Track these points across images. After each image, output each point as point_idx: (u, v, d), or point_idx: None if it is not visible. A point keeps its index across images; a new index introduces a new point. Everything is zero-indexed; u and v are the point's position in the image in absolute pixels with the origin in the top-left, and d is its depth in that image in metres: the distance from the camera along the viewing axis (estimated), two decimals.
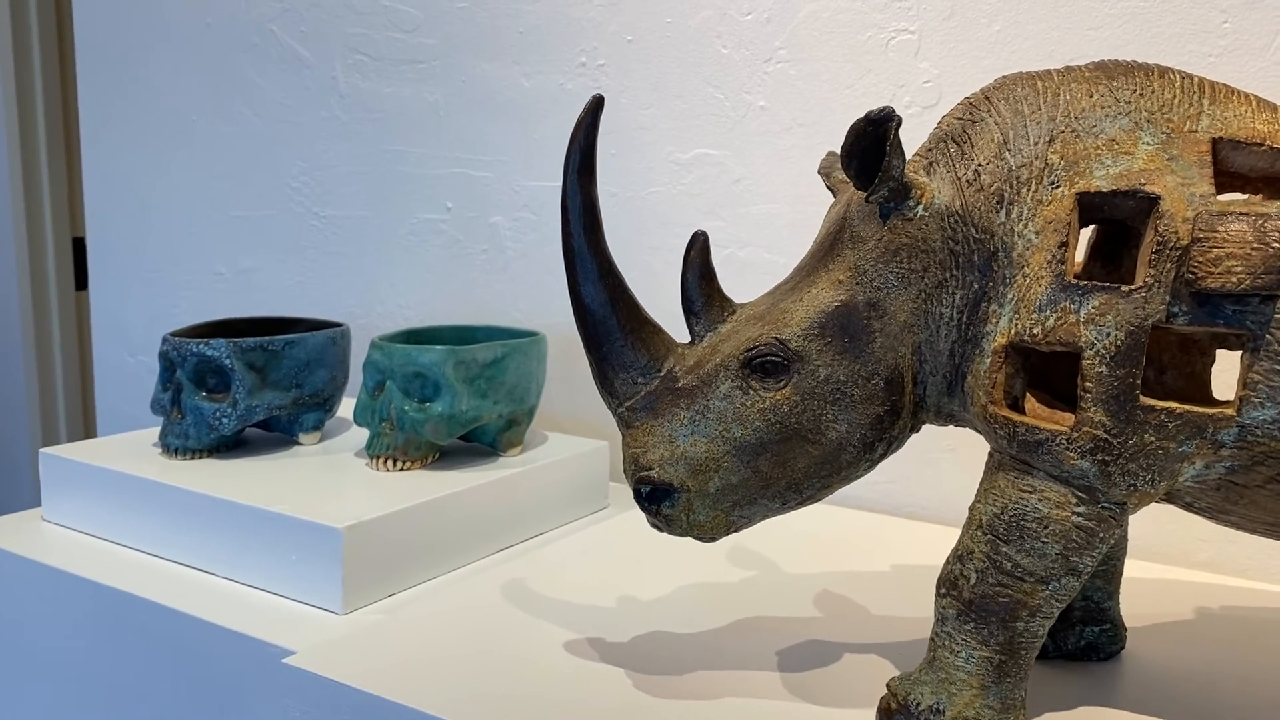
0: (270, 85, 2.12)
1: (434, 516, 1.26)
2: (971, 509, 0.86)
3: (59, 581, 1.28)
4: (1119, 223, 0.87)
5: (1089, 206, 0.83)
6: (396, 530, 1.21)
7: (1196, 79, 0.85)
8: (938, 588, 0.87)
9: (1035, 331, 0.80)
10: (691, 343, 0.93)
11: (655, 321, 0.93)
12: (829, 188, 1.01)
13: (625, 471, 0.92)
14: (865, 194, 0.85)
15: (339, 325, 1.57)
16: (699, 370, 0.90)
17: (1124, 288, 0.78)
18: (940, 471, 1.48)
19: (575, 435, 1.66)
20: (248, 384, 1.42)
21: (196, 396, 1.42)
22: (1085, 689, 0.98)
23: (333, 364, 1.51)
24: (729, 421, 0.88)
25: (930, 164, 0.89)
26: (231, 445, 1.48)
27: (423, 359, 1.34)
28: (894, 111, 0.80)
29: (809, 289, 0.89)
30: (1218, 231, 0.75)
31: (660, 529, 0.92)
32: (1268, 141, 0.82)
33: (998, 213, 0.84)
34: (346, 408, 1.72)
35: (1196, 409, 0.77)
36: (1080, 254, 0.98)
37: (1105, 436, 0.78)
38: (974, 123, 0.88)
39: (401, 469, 1.37)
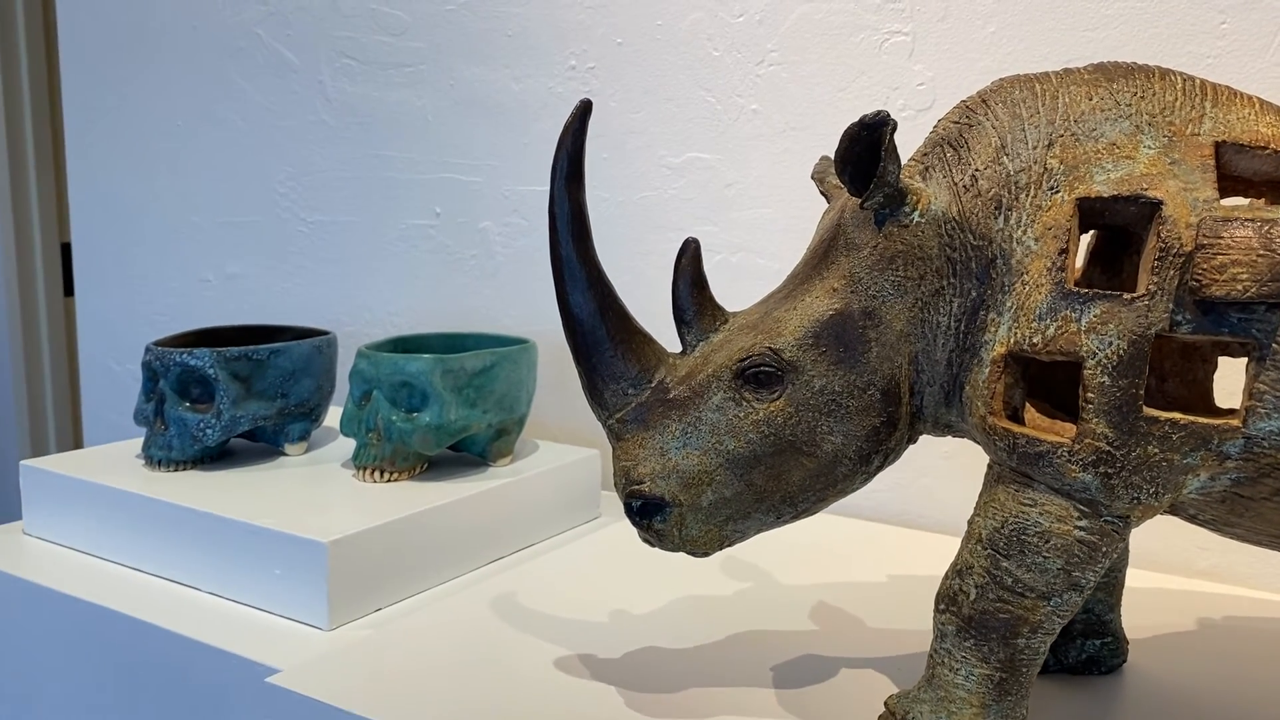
0: (256, 90, 2.10)
1: (422, 529, 1.24)
2: (971, 522, 0.84)
3: (39, 597, 1.25)
4: (1119, 228, 0.85)
5: (1089, 212, 0.80)
6: (383, 544, 1.19)
7: (1198, 81, 0.83)
8: (936, 603, 0.85)
9: (1035, 341, 0.78)
10: (683, 352, 0.91)
11: (646, 331, 0.91)
12: (823, 193, 0.98)
13: (616, 485, 0.90)
14: (860, 200, 0.83)
15: (325, 333, 1.54)
16: (691, 381, 0.88)
17: (1126, 295, 0.76)
18: (938, 479, 1.46)
19: (567, 444, 1.64)
20: (232, 394, 1.39)
21: (180, 407, 1.39)
22: (1087, 704, 0.96)
23: (319, 373, 1.49)
24: (721, 433, 0.86)
25: (926, 169, 0.87)
26: (216, 456, 1.45)
27: (410, 368, 1.32)
28: (889, 116, 0.78)
29: (803, 297, 0.87)
30: (1222, 238, 0.73)
31: (652, 544, 0.90)
32: (1272, 145, 0.80)
33: (996, 219, 0.82)
34: (334, 417, 1.69)
35: (1201, 420, 0.75)
36: (1080, 260, 0.96)
37: (1108, 448, 0.76)
38: (970, 127, 0.86)
39: (389, 480, 1.35)
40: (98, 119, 2.39)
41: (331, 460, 1.47)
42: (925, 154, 0.88)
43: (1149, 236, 0.78)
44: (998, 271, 0.82)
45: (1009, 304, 0.81)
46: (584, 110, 0.88)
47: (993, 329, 0.82)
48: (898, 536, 1.41)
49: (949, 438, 0.91)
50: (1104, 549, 0.79)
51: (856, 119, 0.79)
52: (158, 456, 1.39)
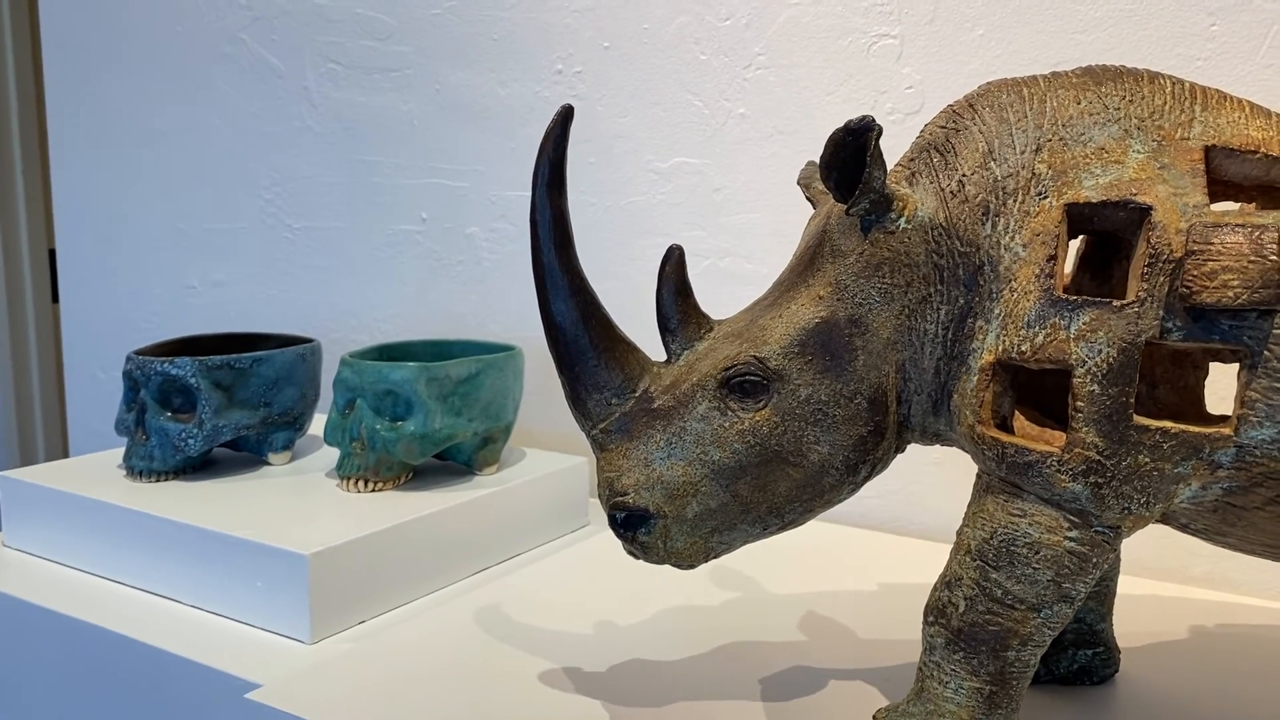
0: (241, 95, 2.08)
1: (406, 540, 1.22)
2: (960, 533, 0.83)
3: (18, 611, 1.23)
4: (1109, 233, 0.84)
5: (1078, 218, 0.79)
6: (366, 555, 1.17)
7: (1187, 84, 0.82)
8: (925, 615, 0.84)
9: (1024, 348, 0.77)
10: (668, 361, 0.89)
11: (629, 339, 0.90)
12: (809, 199, 0.97)
13: (600, 496, 0.88)
14: (845, 206, 0.82)
15: (309, 341, 1.52)
16: (675, 390, 0.86)
17: (1116, 302, 0.75)
18: (928, 486, 1.44)
19: (554, 451, 1.62)
20: (214, 403, 1.38)
21: (161, 417, 1.38)
22: (1078, 715, 0.94)
23: (303, 381, 1.47)
24: (707, 444, 0.85)
25: (913, 174, 0.85)
26: (199, 466, 1.43)
27: (394, 376, 1.30)
28: (874, 121, 0.77)
29: (788, 305, 0.86)
30: (1212, 244, 0.72)
31: (636, 556, 0.88)
32: (1262, 149, 0.79)
33: (983, 225, 0.81)
34: (319, 425, 1.67)
35: (1192, 428, 0.74)
36: (1069, 266, 0.95)
37: (1098, 458, 0.75)
38: (958, 131, 0.84)
39: (373, 490, 1.33)
40: (82, 125, 2.37)
41: (316, 470, 1.45)
42: (912, 159, 0.86)
43: (1138, 242, 0.77)
44: (985, 278, 0.81)
45: (997, 311, 0.80)
46: (565, 116, 0.87)
47: (981, 337, 0.81)
48: (889, 544, 1.40)
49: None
50: (1095, 560, 0.78)
51: (842, 124, 0.78)
52: (139, 467, 1.37)
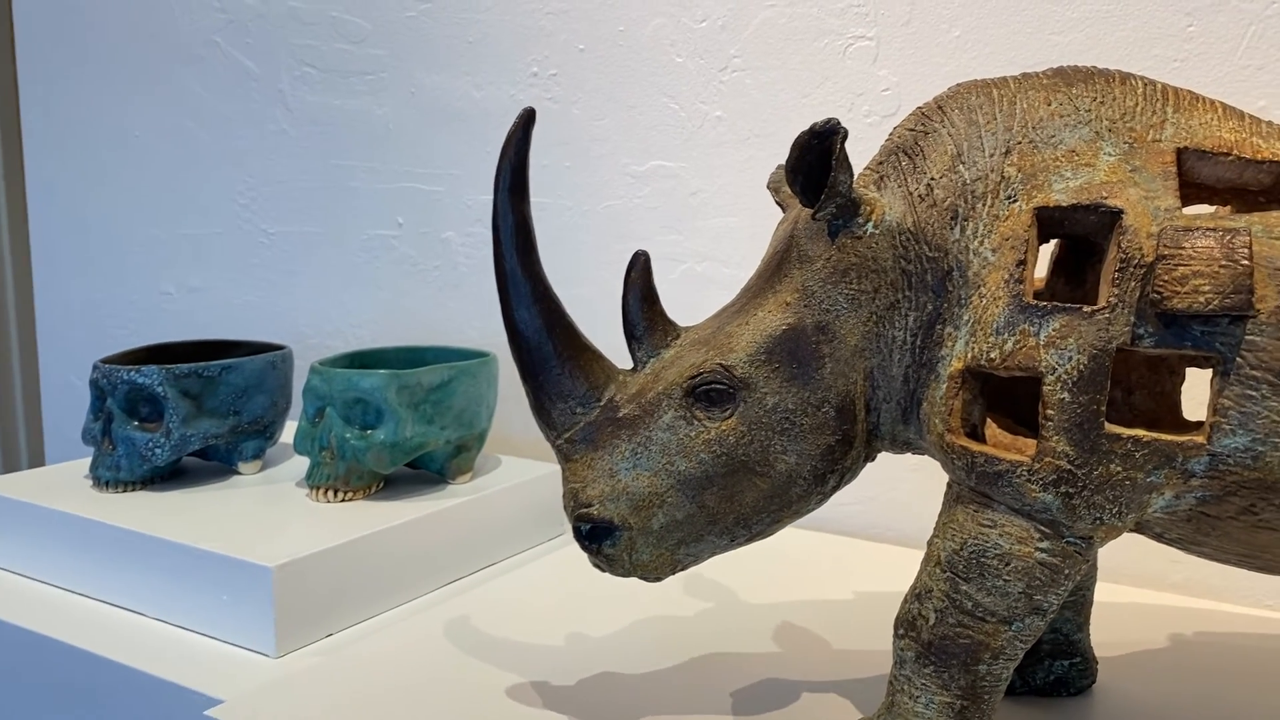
0: (216, 99, 2.06)
1: (375, 550, 1.20)
2: (930, 544, 0.81)
3: None
4: (1082, 236, 0.83)
5: (1048, 221, 0.78)
6: (334, 566, 1.15)
7: (1159, 85, 0.81)
8: (895, 628, 0.82)
9: (993, 355, 0.75)
10: (634, 369, 0.88)
11: (595, 347, 0.88)
12: (778, 203, 0.96)
13: (565, 508, 0.86)
14: (812, 211, 0.80)
15: (281, 348, 1.50)
16: (641, 399, 0.85)
17: (1086, 308, 0.73)
18: (906, 492, 1.43)
19: (531, 458, 1.60)
20: (182, 412, 1.35)
21: (128, 426, 1.35)
22: None
23: (273, 389, 1.45)
24: (673, 454, 0.83)
25: (881, 178, 0.84)
26: (167, 476, 1.41)
27: (364, 384, 1.28)
28: (839, 124, 0.75)
29: (755, 312, 0.84)
30: (1184, 248, 0.71)
31: (602, 569, 0.86)
32: (1234, 151, 0.78)
33: (951, 229, 0.80)
34: (291, 434, 1.65)
35: (1165, 437, 0.72)
36: (1042, 269, 0.94)
37: (1069, 467, 0.73)
38: (926, 134, 0.83)
39: (343, 500, 1.31)
40: (57, 130, 2.34)
41: (286, 479, 1.43)
42: (880, 163, 0.85)
43: (1109, 247, 0.75)
44: (954, 284, 0.79)
45: (966, 318, 0.78)
46: (527, 119, 0.85)
47: (950, 343, 0.79)
48: (866, 551, 1.38)
49: None
50: (1067, 571, 0.76)
51: (807, 127, 0.76)
52: (105, 477, 1.35)
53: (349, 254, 1.92)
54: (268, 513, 1.28)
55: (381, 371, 1.29)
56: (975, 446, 0.77)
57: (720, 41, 1.50)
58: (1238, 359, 0.70)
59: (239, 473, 1.45)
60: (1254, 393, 0.70)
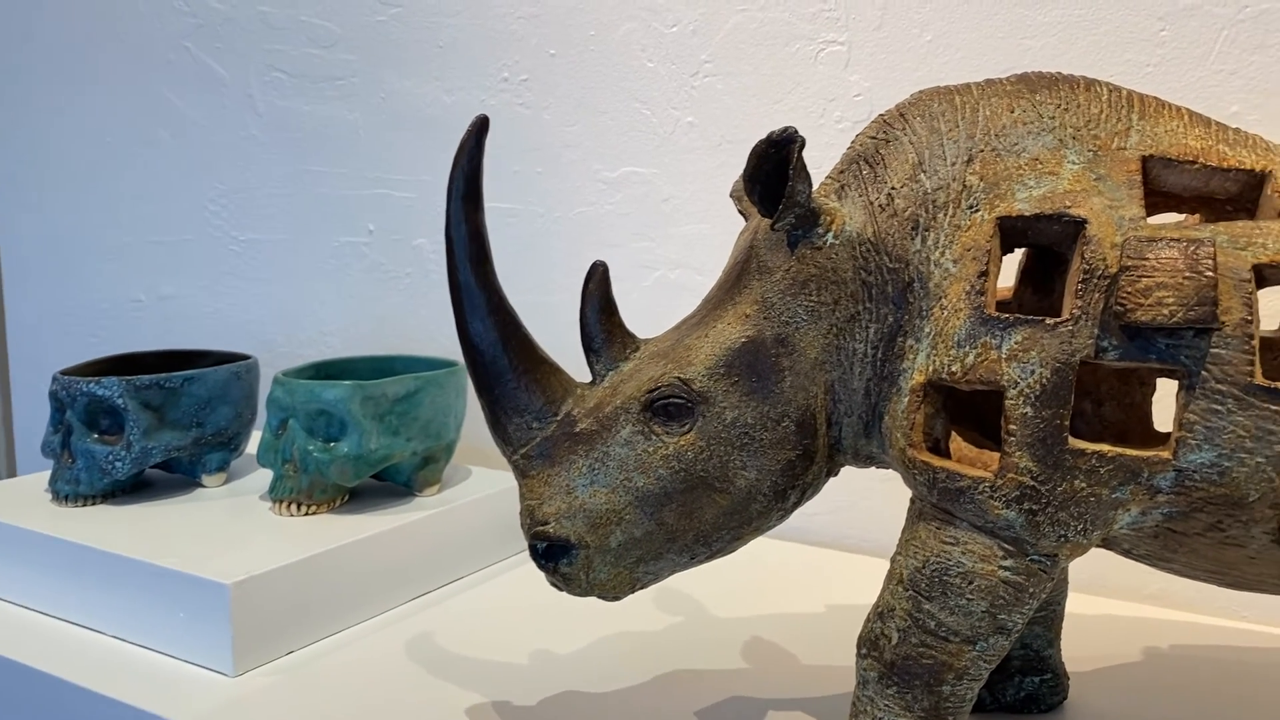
0: (186, 104, 2.03)
1: (338, 565, 1.18)
2: (893, 561, 0.80)
3: None
4: (1047, 246, 0.81)
5: (1011, 232, 0.76)
6: (295, 582, 1.13)
7: (1125, 92, 0.79)
8: (858, 647, 0.80)
9: (954, 369, 0.74)
10: (592, 383, 0.86)
11: (553, 361, 0.86)
12: (741, 212, 0.93)
13: (521, 526, 0.84)
14: (771, 221, 0.78)
15: (246, 358, 1.48)
16: (599, 413, 0.83)
17: (1049, 321, 0.71)
18: (879, 502, 1.41)
19: (502, 470, 1.58)
20: (143, 424, 1.33)
21: (88, 439, 1.33)
22: None
23: (238, 400, 1.42)
24: (630, 470, 0.81)
25: (842, 187, 0.82)
26: (129, 489, 1.38)
27: (327, 395, 1.26)
28: (796, 132, 0.73)
29: (714, 324, 0.82)
30: (1147, 259, 0.69)
31: (559, 588, 0.84)
32: (1200, 158, 0.76)
33: (913, 240, 0.78)
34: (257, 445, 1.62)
35: (1130, 452, 0.71)
36: (1011, 278, 0.92)
37: (1032, 483, 0.71)
38: (888, 142, 0.81)
39: (307, 513, 1.28)
40: (25, 136, 2.31)
41: (251, 492, 1.40)
42: (841, 171, 0.83)
43: (1073, 257, 0.74)
44: (915, 295, 0.78)
45: (927, 330, 0.76)
46: (480, 127, 0.83)
47: (911, 356, 0.77)
48: (839, 562, 1.37)
49: None
50: (1031, 590, 0.75)
51: (764, 136, 0.74)
52: (65, 491, 1.32)
53: (320, 261, 1.90)
54: (229, 527, 1.26)
55: (345, 382, 1.27)
56: (937, 462, 0.75)
57: (691, 46, 1.49)
58: (1203, 372, 0.69)
59: (203, 486, 1.42)
60: (1219, 407, 0.69)
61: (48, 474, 1.47)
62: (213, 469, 1.42)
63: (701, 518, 0.81)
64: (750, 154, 0.75)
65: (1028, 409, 0.71)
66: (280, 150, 1.92)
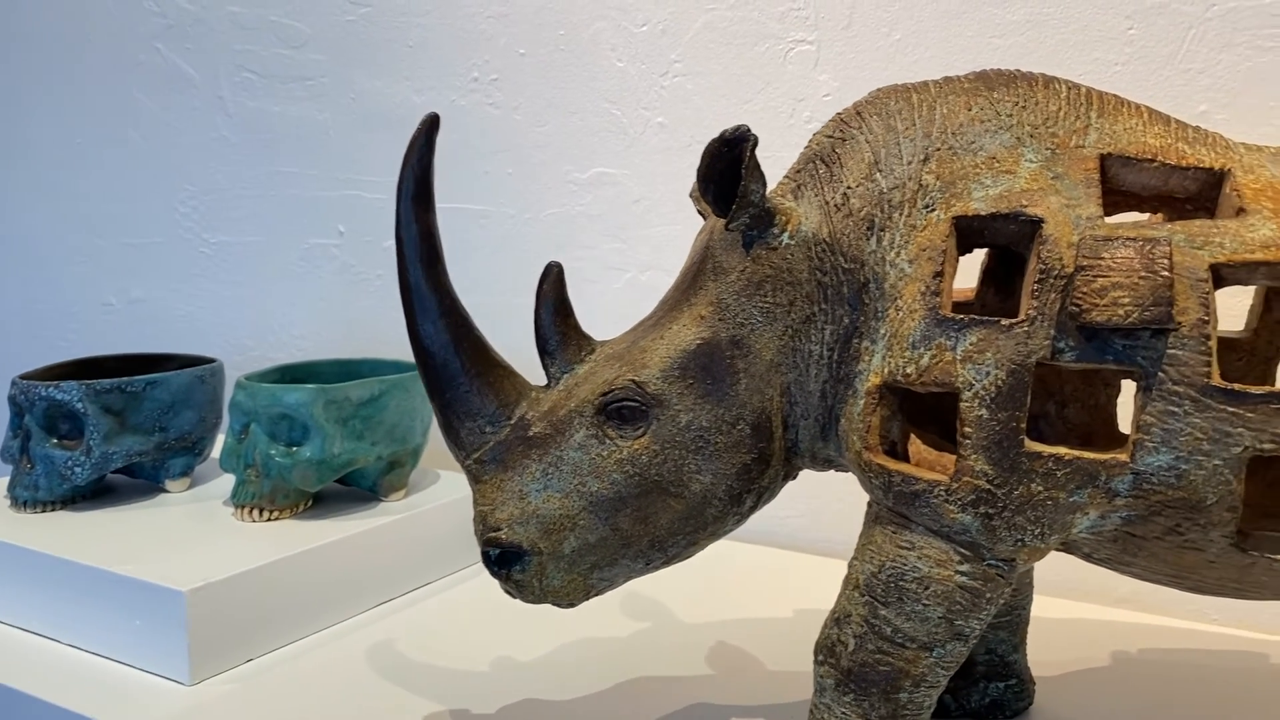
0: (157, 105, 2.01)
1: (299, 572, 1.16)
2: (849, 566, 0.78)
3: None
4: (1006, 246, 0.80)
5: (967, 231, 0.75)
6: (254, 589, 1.11)
7: (1084, 89, 0.78)
8: (815, 654, 0.79)
9: (909, 371, 0.72)
10: (547, 386, 0.84)
11: (506, 364, 0.84)
12: (699, 213, 0.92)
13: (475, 532, 0.83)
14: (725, 221, 0.77)
15: (211, 361, 1.46)
16: (552, 417, 0.81)
17: (1004, 322, 0.70)
18: (853, 505, 1.39)
19: None
20: (103, 429, 1.31)
21: (47, 444, 1.30)
22: None
23: (201, 404, 1.40)
24: (584, 474, 0.79)
25: (798, 187, 0.81)
26: (90, 495, 1.36)
27: (289, 399, 1.24)
28: (749, 131, 0.72)
29: (670, 326, 0.81)
30: (1103, 258, 0.68)
31: (513, 595, 0.83)
32: (1159, 157, 0.75)
33: (868, 240, 0.77)
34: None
35: (1087, 455, 0.70)
36: (973, 280, 0.91)
37: (987, 487, 0.70)
38: (844, 141, 0.80)
39: (269, 519, 1.26)
40: None
41: (214, 498, 1.38)
42: (798, 171, 0.82)
43: (1030, 257, 0.72)
44: (871, 296, 0.76)
45: (883, 331, 0.75)
46: (430, 125, 0.82)
47: (866, 358, 0.76)
48: (811, 566, 1.35)
49: None
50: (988, 595, 0.74)
51: (717, 134, 0.73)
52: (23, 497, 1.30)
53: (290, 263, 1.88)
54: (190, 533, 1.24)
55: (307, 386, 1.25)
56: (892, 465, 0.74)
57: (661, 46, 1.47)
58: (1159, 374, 0.68)
59: (166, 491, 1.40)
60: (1176, 409, 0.68)
61: (6, 480, 1.45)
62: (176, 474, 1.40)
63: (656, 523, 0.80)
64: (704, 152, 0.74)
65: (983, 411, 0.70)
66: (251, 151, 1.90)
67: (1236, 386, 0.66)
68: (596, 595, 0.83)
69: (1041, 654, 1.03)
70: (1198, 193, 0.76)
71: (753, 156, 0.73)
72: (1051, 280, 0.70)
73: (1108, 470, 0.69)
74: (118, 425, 1.33)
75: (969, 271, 0.91)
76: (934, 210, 0.75)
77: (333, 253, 1.83)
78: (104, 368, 1.48)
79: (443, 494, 1.39)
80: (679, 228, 1.50)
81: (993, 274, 0.89)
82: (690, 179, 1.47)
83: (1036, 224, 0.72)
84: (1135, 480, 0.69)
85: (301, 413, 1.24)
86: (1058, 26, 1.22)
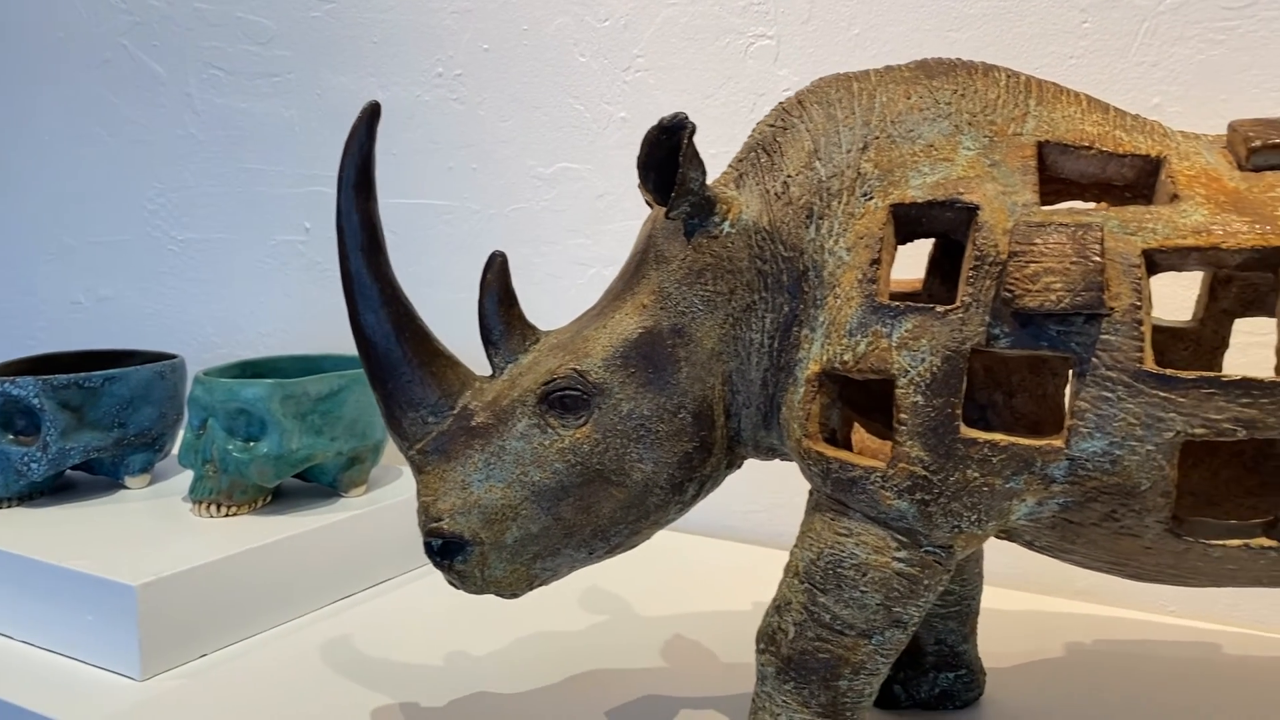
0: (124, 103, 2.00)
1: (254, 567, 1.15)
2: (790, 554, 0.78)
3: None
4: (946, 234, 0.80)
5: (905, 219, 0.75)
6: (207, 584, 1.10)
7: (1023, 78, 0.78)
8: (757, 642, 0.79)
9: (846, 358, 0.72)
10: (491, 376, 0.84)
11: (450, 353, 0.84)
12: (648, 203, 0.92)
13: (418, 522, 0.83)
14: (665, 210, 0.77)
15: (172, 357, 1.45)
16: (495, 407, 0.81)
17: (939, 308, 0.70)
18: None
19: None
20: (60, 425, 1.30)
21: (3, 440, 1.29)
22: None
23: (161, 400, 1.40)
24: (527, 464, 0.79)
25: (741, 175, 0.81)
26: (49, 491, 1.35)
27: (246, 394, 1.23)
28: (687, 118, 0.72)
29: (613, 315, 0.81)
30: (1035, 244, 0.68)
31: (455, 586, 0.83)
32: (1097, 144, 0.75)
33: (807, 228, 0.77)
34: None
35: (1023, 441, 0.70)
36: (921, 271, 0.91)
37: (924, 473, 0.70)
38: (785, 130, 0.80)
39: (227, 514, 1.26)
40: None
41: (174, 494, 1.37)
42: (741, 160, 0.82)
43: (966, 244, 0.72)
44: (810, 284, 0.76)
45: (822, 319, 0.75)
46: (372, 113, 0.82)
47: (806, 346, 0.76)
48: (774, 560, 1.35)
49: None
50: (926, 582, 0.74)
51: (655, 123, 0.73)
52: None
53: (257, 260, 1.87)
54: (146, 529, 1.23)
55: (265, 381, 1.24)
56: (830, 452, 0.74)
57: (623, 40, 1.47)
58: (1093, 359, 0.68)
59: (126, 487, 1.39)
60: (1109, 394, 0.68)
61: None
62: (136, 470, 1.39)
63: (599, 512, 0.79)
64: (643, 140, 0.74)
65: (918, 398, 0.70)
66: (218, 148, 1.89)
67: (1168, 371, 0.66)
68: (540, 585, 0.83)
69: (995, 645, 1.04)
70: (1135, 180, 0.76)
71: (690, 144, 0.73)
72: (986, 267, 0.70)
73: (1043, 456, 0.69)
74: (75, 421, 1.32)
75: (919, 262, 0.92)
76: (872, 198, 0.75)
77: (299, 249, 1.82)
78: (61, 364, 1.47)
79: (404, 490, 1.39)
80: (641, 222, 1.49)
81: (939, 265, 0.89)
82: None
83: (972, 211, 0.72)
84: (1071, 466, 0.69)
85: (259, 408, 1.24)
86: (1015, 19, 1.22)
